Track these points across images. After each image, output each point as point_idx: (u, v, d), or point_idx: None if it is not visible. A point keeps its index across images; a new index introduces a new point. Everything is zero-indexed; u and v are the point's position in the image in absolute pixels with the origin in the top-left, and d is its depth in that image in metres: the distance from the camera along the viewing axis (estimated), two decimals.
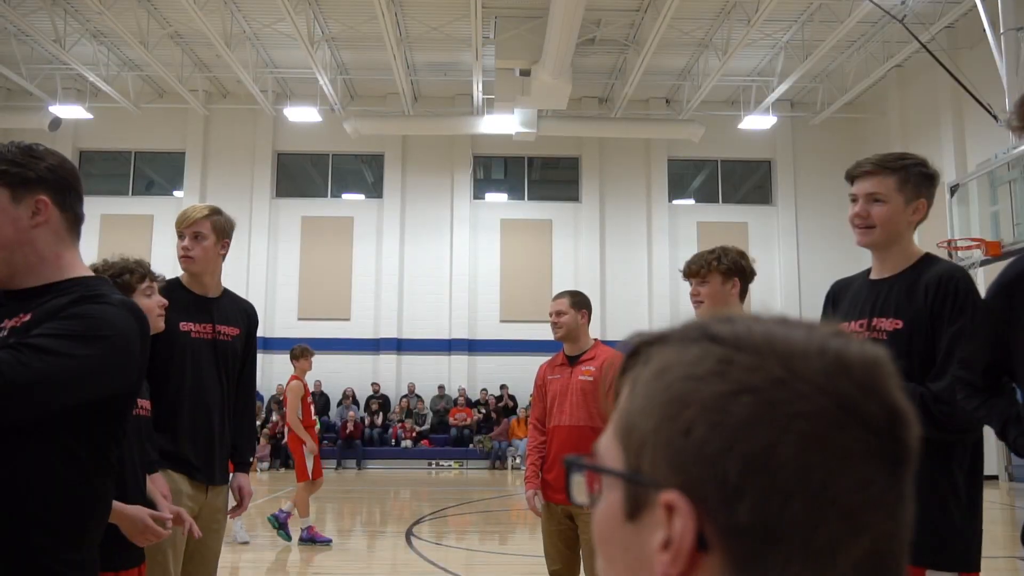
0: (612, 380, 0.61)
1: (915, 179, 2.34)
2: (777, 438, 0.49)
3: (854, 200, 2.41)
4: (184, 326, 3.10)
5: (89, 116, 17.89)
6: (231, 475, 3.43)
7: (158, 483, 2.75)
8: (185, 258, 3.17)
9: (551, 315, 4.15)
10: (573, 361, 4.13)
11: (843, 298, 2.55)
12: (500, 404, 18.21)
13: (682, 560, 0.50)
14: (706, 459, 0.50)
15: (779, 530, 0.49)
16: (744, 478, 0.49)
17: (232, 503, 3.45)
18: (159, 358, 2.70)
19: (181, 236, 3.17)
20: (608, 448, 0.56)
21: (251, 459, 3.51)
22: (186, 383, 3.09)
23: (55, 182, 1.78)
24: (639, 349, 0.57)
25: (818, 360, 0.50)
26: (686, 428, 0.51)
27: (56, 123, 17.48)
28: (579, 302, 4.16)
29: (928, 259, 2.42)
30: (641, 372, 0.55)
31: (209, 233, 3.18)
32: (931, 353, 2.27)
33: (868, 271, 2.54)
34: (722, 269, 3.05)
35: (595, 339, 4.23)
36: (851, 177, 2.43)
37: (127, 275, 2.51)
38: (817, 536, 0.49)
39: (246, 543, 7.83)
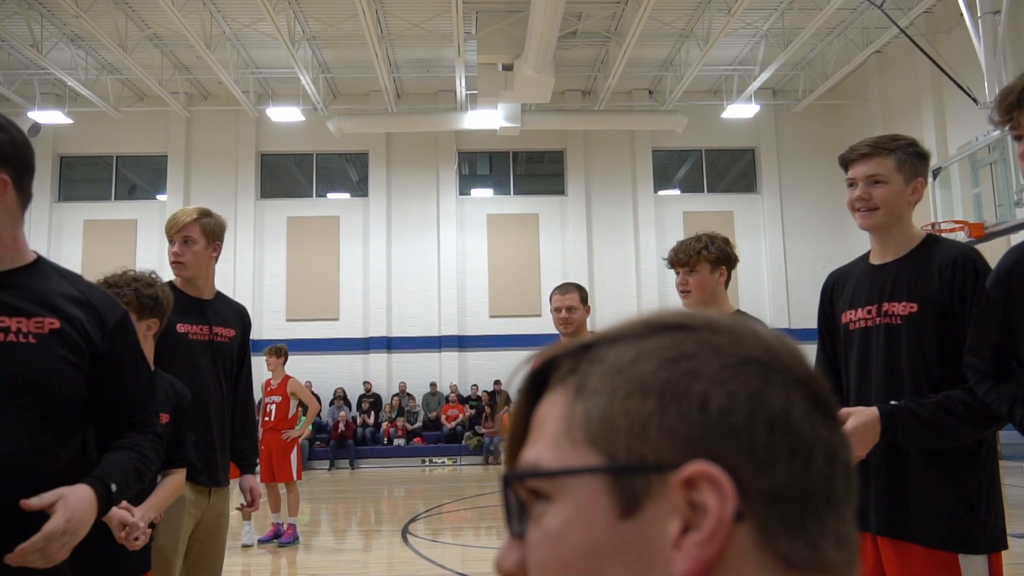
0: (509, 399, 0.59)
1: (911, 159, 2.33)
2: (788, 400, 0.50)
3: (852, 185, 2.37)
4: (181, 327, 3.09)
5: (69, 121, 17.75)
6: (240, 477, 3.45)
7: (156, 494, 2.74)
8: (176, 264, 3.15)
9: (560, 310, 4.01)
10: None
11: (843, 287, 2.50)
12: (495, 400, 18.22)
13: (721, 535, 0.47)
14: (731, 428, 0.49)
15: (810, 489, 0.49)
16: (772, 441, 0.49)
17: (238, 503, 3.46)
18: (157, 360, 2.69)
19: (171, 241, 3.16)
20: (562, 456, 0.51)
21: (256, 460, 3.52)
22: (185, 385, 3.08)
23: (17, 159, 1.69)
24: (561, 360, 0.55)
25: (778, 340, 0.54)
26: (702, 402, 0.50)
27: (35, 129, 17.31)
28: (585, 296, 4.13)
29: (933, 240, 2.39)
30: (588, 374, 0.53)
31: (199, 237, 3.16)
32: (948, 337, 2.23)
33: (865, 257, 2.49)
34: (710, 258, 3.00)
35: (592, 332, 4.22)
36: (846, 162, 2.40)
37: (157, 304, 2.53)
38: (835, 489, 0.51)
39: (249, 546, 7.81)
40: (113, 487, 1.75)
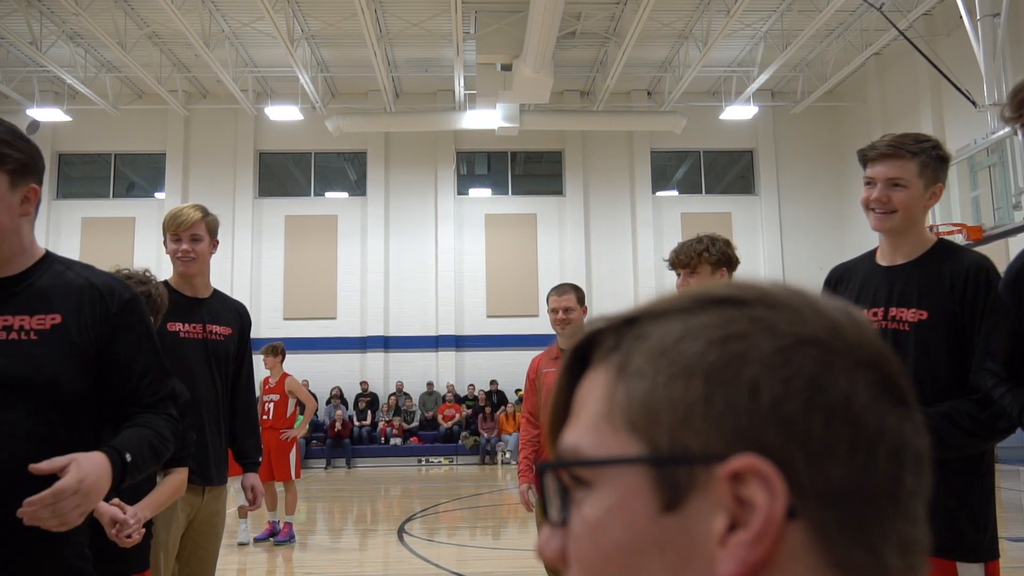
0: (557, 377, 0.54)
1: (933, 163, 2.26)
2: (851, 386, 0.45)
3: (869, 183, 2.31)
4: (172, 326, 3.09)
5: (68, 119, 17.73)
6: (242, 475, 3.44)
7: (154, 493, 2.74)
8: (187, 261, 3.18)
9: (558, 311, 4.04)
10: None
11: (847, 284, 2.44)
12: (493, 399, 18.20)
13: (771, 536, 0.43)
14: (784, 418, 0.44)
15: (872, 485, 0.45)
16: (830, 433, 0.44)
17: (240, 502, 3.46)
18: None
19: (177, 239, 3.17)
20: (602, 442, 0.48)
21: (259, 459, 3.51)
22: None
23: (40, 171, 1.79)
24: (604, 334, 0.51)
25: (843, 315, 0.48)
26: (752, 389, 0.45)
27: (34, 126, 17.29)
28: (583, 296, 4.14)
29: (944, 246, 2.35)
30: (630, 352, 0.49)
31: (204, 234, 3.21)
32: (956, 346, 2.19)
33: (870, 256, 2.44)
34: (712, 260, 2.98)
35: None
36: (865, 159, 2.33)
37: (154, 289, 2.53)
38: (902, 487, 0.46)
39: (245, 544, 7.80)
40: (128, 456, 1.73)
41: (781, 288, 0.49)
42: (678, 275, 3.06)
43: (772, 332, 0.46)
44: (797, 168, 19.43)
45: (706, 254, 2.97)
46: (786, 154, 19.60)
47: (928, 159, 2.26)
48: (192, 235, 3.17)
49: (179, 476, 2.68)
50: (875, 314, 2.32)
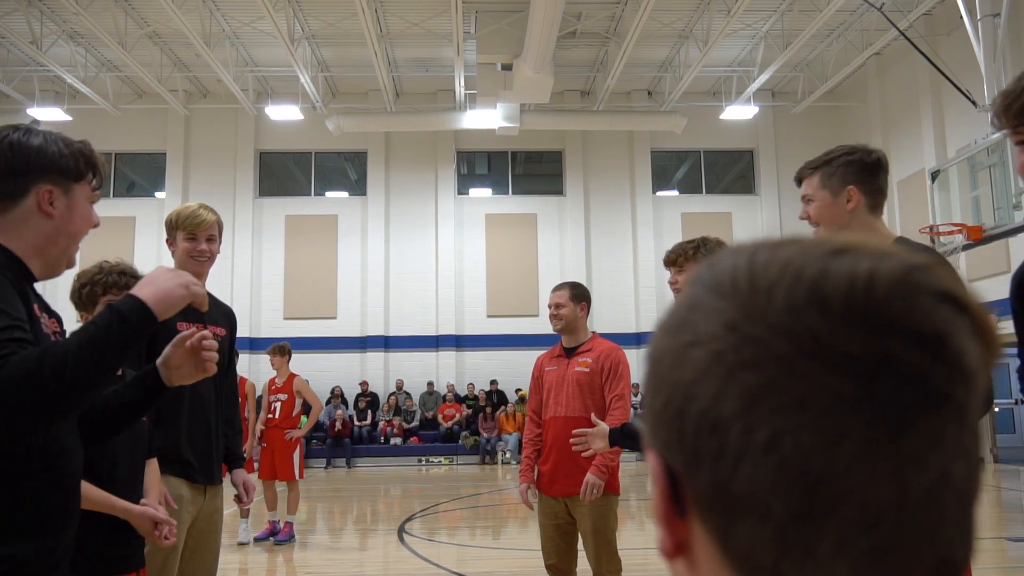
0: None
1: (840, 170, 2.40)
2: (721, 393, 0.42)
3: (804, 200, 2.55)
4: (180, 326, 3.09)
5: (68, 118, 17.72)
6: (231, 472, 3.49)
7: (155, 483, 2.75)
8: (202, 260, 3.22)
9: (550, 307, 4.15)
10: (570, 353, 4.13)
11: None
12: (493, 399, 18.20)
13: (665, 526, 0.47)
14: (669, 421, 0.45)
15: (737, 498, 0.42)
16: (698, 439, 0.43)
17: (230, 504, 3.48)
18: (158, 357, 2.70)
19: (193, 239, 3.19)
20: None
21: (242, 454, 3.57)
22: (184, 384, 3.09)
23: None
24: None
25: (786, 293, 0.42)
26: (656, 387, 0.47)
27: (34, 126, 17.27)
28: (578, 294, 4.16)
29: (904, 242, 2.38)
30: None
31: (217, 235, 3.27)
32: None
33: None
34: (699, 259, 3.12)
35: (593, 332, 4.24)
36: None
37: (130, 278, 2.51)
38: (775, 506, 0.41)
39: (245, 543, 7.81)
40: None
41: (746, 262, 0.45)
42: (670, 272, 3.23)
43: (683, 326, 0.46)
44: (797, 168, 19.38)
45: (693, 252, 3.14)
46: (786, 154, 19.60)
47: (832, 168, 2.41)
48: (209, 235, 3.22)
49: (155, 465, 2.73)
50: None
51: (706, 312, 0.45)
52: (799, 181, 2.55)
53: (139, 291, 1.63)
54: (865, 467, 0.40)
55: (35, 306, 1.65)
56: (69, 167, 1.73)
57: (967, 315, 0.42)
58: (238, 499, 3.47)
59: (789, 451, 0.41)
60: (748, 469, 0.42)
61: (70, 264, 1.79)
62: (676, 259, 3.16)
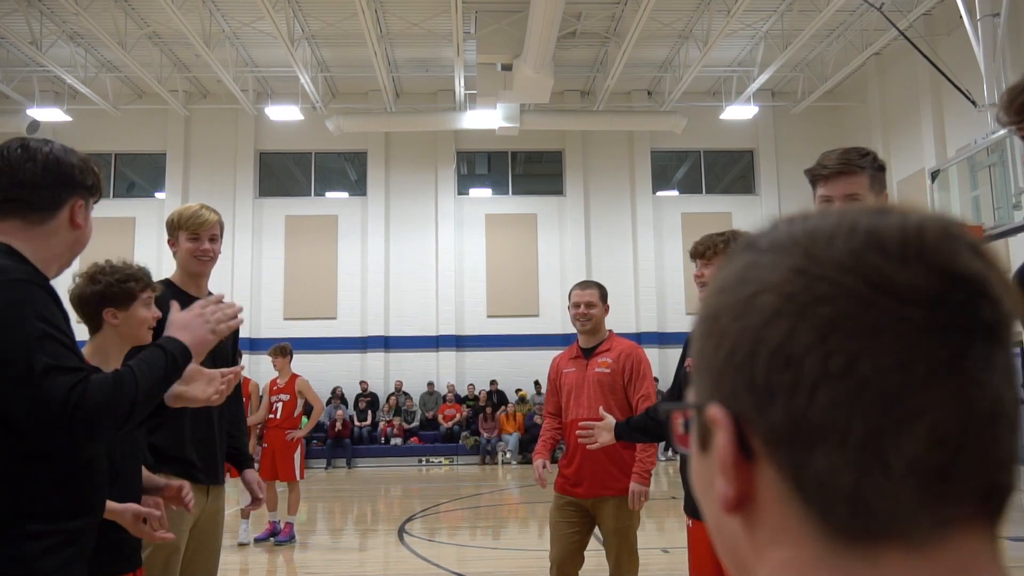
0: None
1: (878, 174, 2.35)
2: (794, 327, 0.46)
3: (827, 201, 2.35)
4: None
5: (68, 118, 17.73)
6: (242, 473, 3.49)
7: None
8: (206, 260, 3.23)
9: (579, 306, 4.04)
10: (589, 353, 4.06)
11: None
12: (494, 399, 18.20)
13: (729, 474, 0.48)
14: (737, 367, 0.48)
15: (813, 427, 0.45)
16: (770, 376, 0.46)
17: (243, 503, 3.48)
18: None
19: (197, 238, 3.20)
20: (691, 392, 0.55)
21: (252, 457, 3.57)
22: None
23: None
24: None
25: (845, 241, 0.47)
26: (718, 341, 0.50)
27: (34, 126, 17.30)
28: (605, 294, 4.12)
29: None
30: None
31: (219, 235, 3.28)
32: None
33: None
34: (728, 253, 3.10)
35: (610, 330, 4.16)
36: (817, 179, 2.38)
37: (132, 283, 2.48)
38: (853, 429, 0.44)
39: (246, 544, 7.81)
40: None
41: (798, 226, 0.50)
42: (696, 265, 3.15)
43: (745, 282, 0.49)
44: (797, 168, 19.30)
45: (725, 246, 3.05)
46: (786, 154, 19.60)
47: (873, 171, 2.34)
48: (211, 235, 3.23)
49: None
50: None
51: (769, 265, 0.48)
52: (821, 179, 2.36)
53: (180, 336, 1.90)
54: (935, 385, 0.44)
55: None
56: (92, 183, 1.89)
57: (995, 269, 0.48)
58: (255, 501, 3.45)
59: (866, 373, 0.44)
60: (826, 394, 0.45)
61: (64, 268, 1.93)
62: (704, 251, 3.08)
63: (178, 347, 1.85)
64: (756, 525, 0.49)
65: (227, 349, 3.32)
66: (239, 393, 3.56)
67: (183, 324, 1.92)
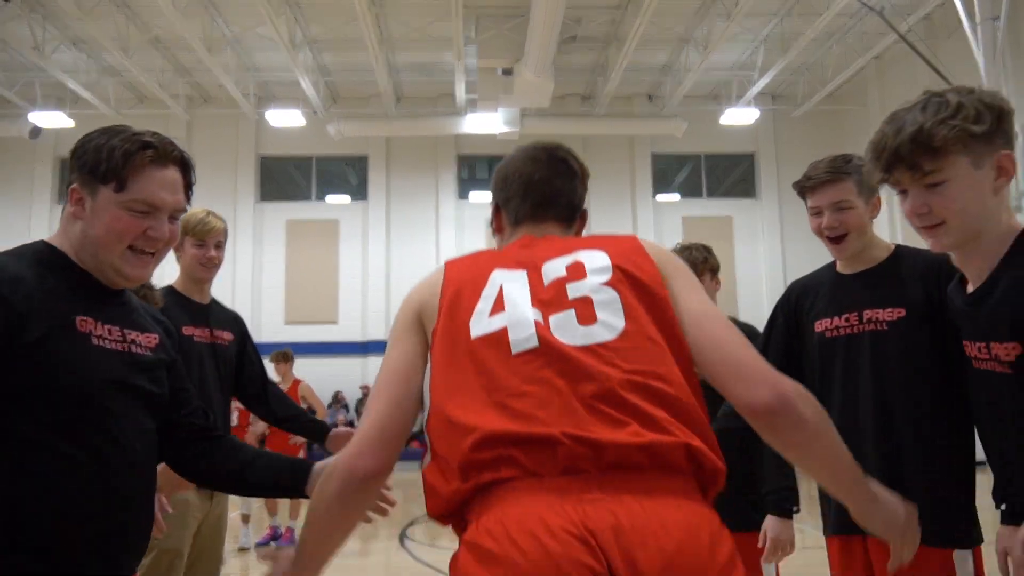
0: None
1: (866, 178, 2.34)
2: None
3: (817, 213, 2.40)
4: (187, 330, 3.10)
5: (70, 123, 17.75)
6: (329, 436, 3.48)
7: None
8: (211, 267, 3.25)
9: None
10: None
11: (812, 296, 2.47)
12: None
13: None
14: None
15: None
16: None
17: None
18: None
19: (202, 245, 3.21)
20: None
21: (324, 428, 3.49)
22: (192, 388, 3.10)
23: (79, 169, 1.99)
24: None
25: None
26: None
27: (36, 131, 17.34)
28: None
29: (906, 249, 2.40)
30: None
31: (224, 242, 3.30)
32: (939, 341, 2.16)
33: (830, 267, 2.49)
34: (709, 267, 3.22)
35: None
36: (805, 189, 2.44)
37: (145, 291, 2.52)
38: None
39: (246, 549, 7.80)
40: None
41: None
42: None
43: None
44: (798, 171, 18.44)
45: (703, 264, 3.18)
46: (787, 157, 19.60)
47: (859, 176, 2.34)
48: (217, 242, 3.25)
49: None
50: (847, 319, 2.33)
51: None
52: (808, 190, 2.43)
53: None
54: None
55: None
56: (94, 165, 1.91)
57: None
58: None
59: None
60: None
61: None
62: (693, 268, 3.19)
63: None
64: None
65: (232, 357, 3.31)
66: (276, 386, 3.51)
67: None
